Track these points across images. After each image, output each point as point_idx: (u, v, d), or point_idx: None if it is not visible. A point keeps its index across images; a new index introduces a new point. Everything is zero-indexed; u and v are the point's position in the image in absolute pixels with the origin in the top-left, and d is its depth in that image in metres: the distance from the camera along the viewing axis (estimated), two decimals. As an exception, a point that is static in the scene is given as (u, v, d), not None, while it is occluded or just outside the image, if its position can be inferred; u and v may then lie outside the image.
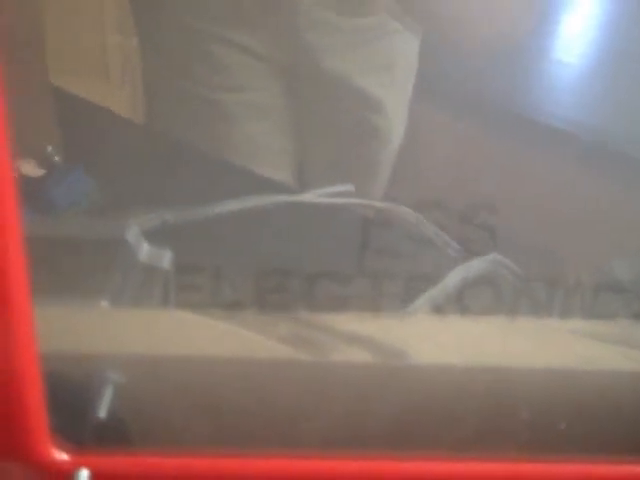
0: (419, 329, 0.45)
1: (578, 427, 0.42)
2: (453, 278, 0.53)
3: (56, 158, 0.74)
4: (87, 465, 0.37)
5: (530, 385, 0.42)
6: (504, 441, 0.41)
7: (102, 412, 0.40)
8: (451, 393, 0.42)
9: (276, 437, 0.41)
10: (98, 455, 0.38)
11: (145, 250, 0.52)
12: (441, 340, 0.44)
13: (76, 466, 0.37)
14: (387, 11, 0.74)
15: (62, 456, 0.37)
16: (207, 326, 0.44)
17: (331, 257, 0.56)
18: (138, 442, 0.42)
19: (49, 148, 0.72)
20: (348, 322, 0.45)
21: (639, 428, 0.43)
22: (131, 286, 0.48)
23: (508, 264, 0.57)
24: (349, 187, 0.70)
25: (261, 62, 0.78)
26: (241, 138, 0.80)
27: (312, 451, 0.41)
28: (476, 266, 0.56)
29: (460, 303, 0.51)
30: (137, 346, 0.43)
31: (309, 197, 0.69)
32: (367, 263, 0.51)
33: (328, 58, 0.78)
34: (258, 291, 0.45)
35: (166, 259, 0.53)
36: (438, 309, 0.47)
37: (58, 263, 0.46)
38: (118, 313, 0.44)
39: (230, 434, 0.42)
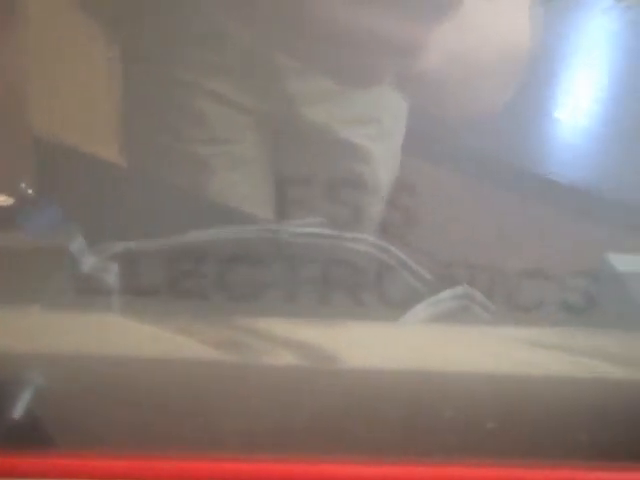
0: (353, 334, 0.44)
1: (511, 431, 0.41)
2: (421, 312, 0.52)
3: (29, 192, 0.74)
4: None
5: (459, 389, 0.40)
6: (431, 444, 0.40)
7: (17, 413, 0.39)
8: (380, 397, 0.41)
9: (199, 438, 0.40)
10: (6, 455, 0.37)
11: (89, 261, 0.52)
12: (375, 345, 0.43)
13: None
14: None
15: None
16: (134, 329, 0.43)
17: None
18: (58, 443, 0.41)
19: (22, 184, 0.72)
20: (282, 327, 0.44)
21: (573, 432, 0.41)
22: (69, 292, 0.48)
23: (479, 298, 0.55)
24: (320, 219, 0.69)
25: (243, 113, 0.79)
26: (221, 187, 0.80)
27: (235, 452, 0.39)
28: (445, 300, 0.55)
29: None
30: (60, 348, 0.42)
31: (279, 227, 0.68)
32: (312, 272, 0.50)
33: (311, 108, 0.78)
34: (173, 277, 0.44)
35: (111, 271, 0.53)
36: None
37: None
38: (45, 316, 0.43)
39: (152, 435, 0.41)
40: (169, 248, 0.59)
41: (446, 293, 0.55)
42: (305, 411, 0.41)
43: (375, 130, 0.83)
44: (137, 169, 0.81)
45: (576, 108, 0.71)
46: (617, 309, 0.53)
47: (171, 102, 0.73)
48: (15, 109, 0.70)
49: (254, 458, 0.39)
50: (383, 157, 0.83)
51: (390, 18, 0.54)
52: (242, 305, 0.44)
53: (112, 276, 0.53)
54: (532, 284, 0.46)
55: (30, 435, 0.39)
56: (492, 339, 0.44)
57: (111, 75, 0.80)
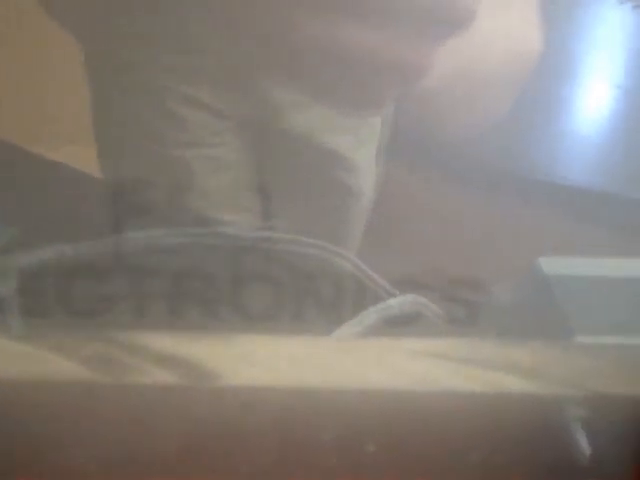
0: (240, 350, 0.41)
1: (405, 450, 0.38)
2: (369, 317, 0.50)
3: None
4: None
5: (342, 405, 0.37)
6: (314, 465, 0.37)
7: None
8: (257, 415, 0.38)
9: (68, 462, 0.37)
10: None
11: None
12: (261, 361, 0.40)
13: None
14: None
15: None
16: (8, 349, 0.40)
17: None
18: None
19: None
20: (163, 343, 0.41)
21: (478, 450, 0.38)
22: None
23: (429, 305, 0.53)
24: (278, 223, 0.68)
25: (221, 118, 0.76)
26: (202, 190, 0.78)
27: (104, 474, 0.37)
28: (395, 306, 0.52)
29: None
30: None
31: (233, 230, 0.66)
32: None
33: (293, 114, 0.76)
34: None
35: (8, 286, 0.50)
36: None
37: None
38: None
39: (24, 456, 0.38)
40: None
41: (395, 300, 0.52)
42: (178, 431, 0.38)
43: (355, 138, 0.80)
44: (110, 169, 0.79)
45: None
46: (542, 316, 0.50)
47: (145, 105, 0.71)
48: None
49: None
50: (364, 165, 0.81)
51: (394, 37, 0.50)
52: (120, 319, 0.41)
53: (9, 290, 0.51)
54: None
55: None
56: (391, 352, 0.41)
57: (83, 79, 0.77)
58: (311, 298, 0.50)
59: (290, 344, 0.42)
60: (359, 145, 0.82)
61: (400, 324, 0.50)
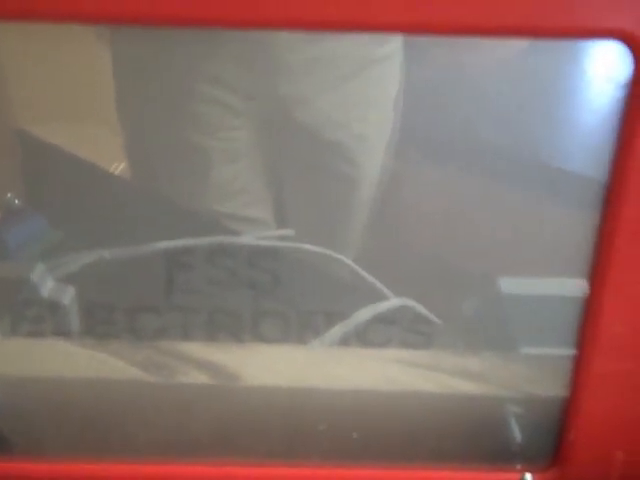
0: (256, 357, 0.54)
1: (380, 438, 0.51)
2: (360, 317, 0.61)
3: (16, 201, 0.81)
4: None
5: (340, 403, 0.50)
6: (312, 449, 0.50)
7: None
8: (273, 410, 0.51)
9: (126, 445, 0.51)
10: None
11: (49, 287, 0.61)
12: (272, 366, 0.53)
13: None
14: None
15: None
16: (76, 353, 0.53)
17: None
18: (16, 451, 0.52)
19: (9, 194, 0.79)
20: (200, 351, 0.54)
21: (434, 439, 0.51)
22: (28, 319, 0.58)
23: (418, 309, 0.64)
24: (289, 231, 0.76)
25: (235, 114, 0.83)
26: (218, 181, 0.86)
27: (153, 457, 0.50)
28: (385, 308, 0.63)
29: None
30: (16, 370, 0.52)
31: (248, 239, 0.76)
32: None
33: (300, 110, 0.82)
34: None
35: (68, 295, 0.62)
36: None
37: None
38: (3, 342, 0.54)
39: (91, 444, 0.51)
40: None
41: (386, 302, 0.63)
42: (211, 422, 0.51)
43: (362, 130, 0.87)
44: (139, 171, 0.87)
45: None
46: (497, 330, 0.62)
47: (169, 104, 0.79)
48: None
49: (169, 462, 0.50)
50: (370, 157, 0.87)
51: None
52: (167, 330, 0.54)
53: (68, 298, 0.63)
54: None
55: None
56: (372, 359, 0.54)
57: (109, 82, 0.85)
58: (313, 303, 0.61)
59: (294, 352, 0.55)
60: (364, 139, 0.89)
61: (387, 323, 0.61)
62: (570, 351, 0.48)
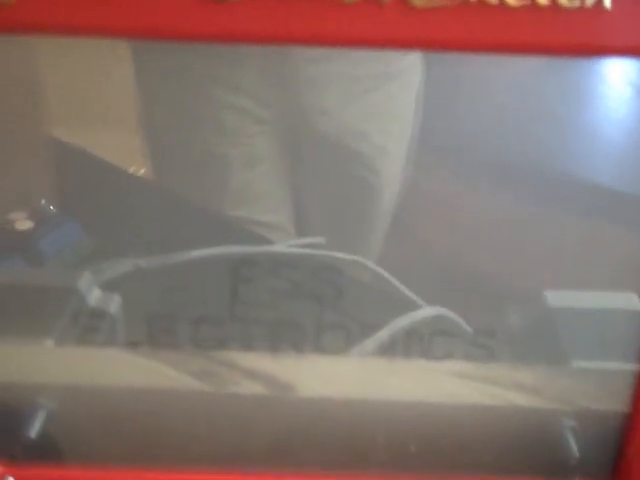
0: (309, 367, 0.53)
1: (436, 451, 0.51)
2: (394, 327, 0.61)
3: (51, 207, 0.81)
4: (13, 474, 0.47)
5: (397, 416, 0.50)
6: (369, 461, 0.50)
7: (32, 432, 0.49)
8: (330, 422, 0.51)
9: (178, 455, 0.51)
10: (24, 466, 0.48)
11: (95, 295, 0.61)
12: (326, 376, 0.53)
13: (4, 475, 0.46)
14: None
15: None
16: (130, 362, 0.53)
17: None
18: (69, 458, 0.52)
19: (42, 201, 0.80)
20: (252, 360, 0.54)
21: (491, 452, 0.51)
22: (76, 327, 0.58)
23: (454, 318, 0.64)
24: (319, 239, 0.77)
25: (258, 122, 0.85)
26: (238, 186, 0.87)
27: (207, 467, 0.50)
28: (421, 316, 0.63)
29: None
30: (70, 378, 0.52)
31: (280, 247, 0.76)
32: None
33: (322, 119, 0.83)
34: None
35: (114, 304, 0.62)
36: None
37: (15, 308, 0.56)
38: (57, 350, 0.54)
39: (143, 453, 0.51)
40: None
41: (422, 311, 0.63)
42: (265, 433, 0.51)
43: (383, 140, 0.89)
44: (161, 176, 0.88)
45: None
46: (545, 344, 0.61)
47: (195, 113, 0.80)
48: (35, 123, 0.74)
49: (223, 473, 0.49)
50: (389, 166, 0.88)
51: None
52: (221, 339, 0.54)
53: (115, 306, 0.63)
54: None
55: (44, 450, 0.49)
56: (426, 372, 0.54)
57: (135, 90, 0.85)
58: (348, 313, 0.61)
59: (345, 363, 0.55)
60: (385, 150, 0.90)
61: (425, 337, 0.60)
62: (629, 365, 0.48)
